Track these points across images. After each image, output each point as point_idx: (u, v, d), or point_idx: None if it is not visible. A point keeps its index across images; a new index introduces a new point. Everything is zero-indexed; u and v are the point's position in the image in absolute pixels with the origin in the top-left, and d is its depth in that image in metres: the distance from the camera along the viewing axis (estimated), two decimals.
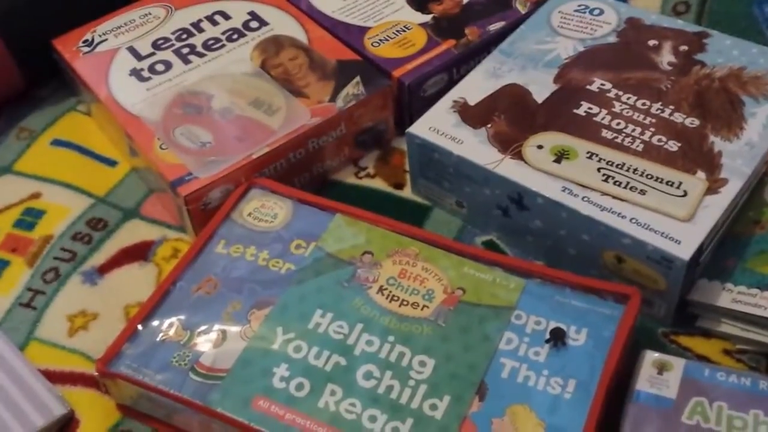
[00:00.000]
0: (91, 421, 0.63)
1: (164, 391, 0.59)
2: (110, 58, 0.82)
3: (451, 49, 0.78)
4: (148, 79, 0.80)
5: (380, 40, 0.80)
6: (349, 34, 0.82)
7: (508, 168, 0.66)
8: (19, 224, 0.77)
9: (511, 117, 0.70)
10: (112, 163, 0.82)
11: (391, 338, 0.61)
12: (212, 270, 0.66)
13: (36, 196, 0.79)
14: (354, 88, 0.76)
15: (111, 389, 0.62)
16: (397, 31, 0.81)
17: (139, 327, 0.63)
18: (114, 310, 0.70)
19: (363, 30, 0.82)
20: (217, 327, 0.62)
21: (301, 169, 0.75)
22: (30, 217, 0.77)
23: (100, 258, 0.73)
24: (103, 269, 0.73)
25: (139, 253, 0.74)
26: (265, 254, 0.67)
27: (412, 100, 0.77)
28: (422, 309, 0.62)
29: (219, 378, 0.59)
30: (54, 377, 0.66)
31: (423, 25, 0.82)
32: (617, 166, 0.65)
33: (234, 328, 0.62)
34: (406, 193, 0.76)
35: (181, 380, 0.60)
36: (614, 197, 0.63)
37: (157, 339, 0.62)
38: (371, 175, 0.78)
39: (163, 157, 0.72)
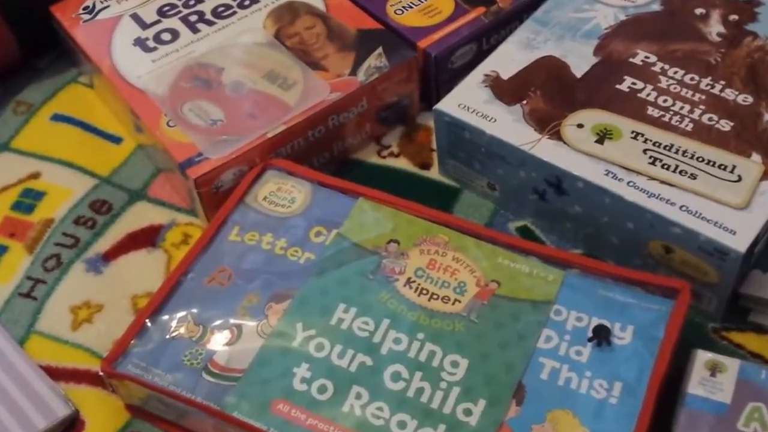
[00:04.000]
0: (97, 422, 0.59)
1: (176, 393, 0.55)
2: (113, 27, 0.77)
3: (480, 18, 0.73)
4: (154, 49, 0.74)
5: (404, 7, 0.75)
6: (370, 0, 0.76)
7: (546, 149, 0.61)
8: (17, 206, 0.72)
9: (548, 92, 0.65)
10: (116, 139, 0.77)
11: (420, 335, 0.56)
12: (225, 259, 0.61)
13: (35, 176, 0.74)
14: (376, 59, 0.70)
15: (118, 389, 0.58)
16: None
17: (148, 322, 0.58)
18: (120, 300, 0.65)
19: None
20: (231, 322, 0.58)
21: (319, 148, 0.70)
22: (29, 199, 0.72)
23: (104, 244, 0.69)
24: (109, 256, 0.68)
25: (147, 238, 0.69)
26: (283, 242, 0.62)
27: (439, 73, 0.72)
28: (453, 303, 0.57)
29: (235, 379, 0.55)
30: (57, 374, 0.62)
31: None
32: (665, 147, 0.60)
33: (250, 324, 0.58)
34: (434, 173, 0.71)
35: (194, 381, 0.55)
36: (662, 182, 0.58)
37: (167, 335, 0.58)
38: (395, 154, 0.72)
39: (171, 135, 0.67)
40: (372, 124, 0.72)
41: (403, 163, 0.72)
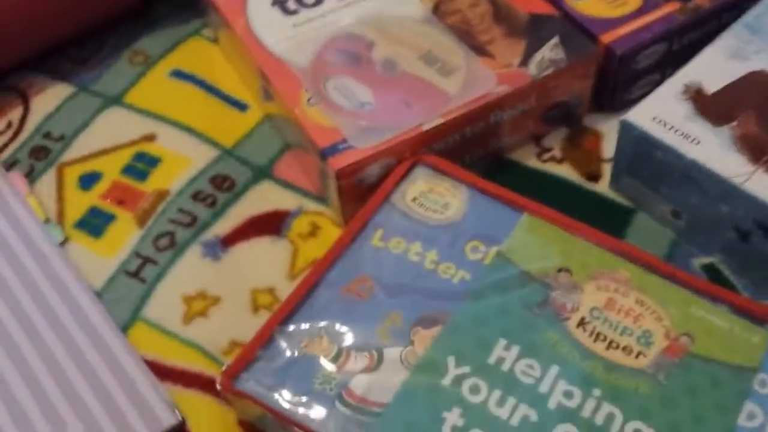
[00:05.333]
0: None
1: (304, 424, 0.47)
2: None
3: (674, 14, 0.63)
4: (295, 12, 0.66)
5: None
6: None
7: (763, 185, 0.51)
8: (128, 171, 0.65)
9: (764, 115, 0.55)
10: (242, 106, 0.68)
11: (596, 392, 0.47)
12: (366, 267, 0.53)
13: (150, 138, 0.66)
14: (552, 51, 0.61)
15: (234, 403, 0.51)
16: None
17: (276, 333, 0.50)
18: (239, 294, 0.58)
19: None
20: (371, 344, 0.50)
21: (474, 145, 0.61)
22: (142, 164, 0.65)
23: (225, 226, 0.61)
24: (228, 241, 0.60)
25: (271, 225, 0.61)
26: (434, 255, 0.53)
27: (621, 73, 0.62)
28: (637, 357, 0.49)
29: (373, 414, 0.47)
30: (163, 373, 0.54)
31: None
32: None
33: (393, 349, 0.50)
34: (602, 187, 0.61)
35: (327, 410, 0.47)
36: None
37: (297, 352, 0.50)
38: (557, 160, 0.63)
39: (312, 116, 0.59)
40: (535, 123, 0.63)
41: (566, 171, 0.63)
